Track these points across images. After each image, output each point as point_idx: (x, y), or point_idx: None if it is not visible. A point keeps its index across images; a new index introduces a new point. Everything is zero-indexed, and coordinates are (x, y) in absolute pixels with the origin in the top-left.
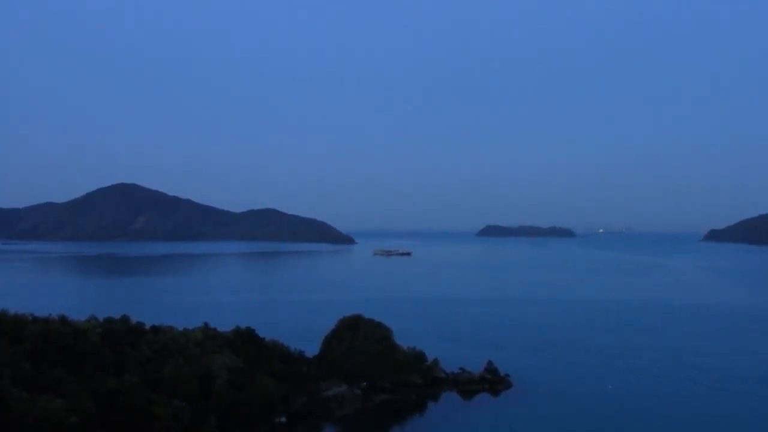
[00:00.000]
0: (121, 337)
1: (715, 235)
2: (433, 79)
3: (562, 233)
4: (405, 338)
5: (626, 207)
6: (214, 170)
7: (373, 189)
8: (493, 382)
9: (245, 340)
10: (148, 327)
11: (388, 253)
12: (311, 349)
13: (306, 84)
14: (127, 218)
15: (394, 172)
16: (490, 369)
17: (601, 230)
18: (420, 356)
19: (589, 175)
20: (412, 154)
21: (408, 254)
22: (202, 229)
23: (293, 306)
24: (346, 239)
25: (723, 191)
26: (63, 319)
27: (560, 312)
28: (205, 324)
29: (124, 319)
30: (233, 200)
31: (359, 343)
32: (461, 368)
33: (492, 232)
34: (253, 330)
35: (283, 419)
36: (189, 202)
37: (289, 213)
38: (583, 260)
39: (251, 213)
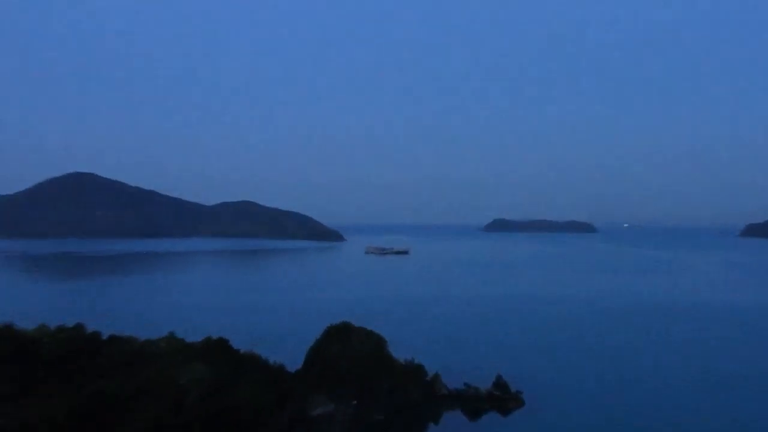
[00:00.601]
0: (75, 348)
1: (753, 230)
2: (435, 60)
3: (582, 228)
4: (402, 349)
5: (654, 199)
6: (180, 158)
7: (365, 178)
8: (502, 399)
9: (218, 351)
10: (105, 337)
11: (383, 252)
12: (294, 361)
13: (279, 61)
14: (83, 212)
15: (389, 160)
16: (500, 384)
17: (626, 225)
18: (419, 370)
19: (613, 165)
20: (410, 140)
21: (405, 252)
22: (169, 224)
23: (273, 313)
24: (333, 235)
25: (761, 185)
26: (9, 328)
27: (580, 318)
28: (171, 333)
29: (79, 328)
30: (204, 192)
31: (349, 355)
32: (466, 384)
33: (500, 226)
34: (227, 341)
35: None
36: (153, 194)
37: (269, 206)
38: (605, 258)
39: (225, 206)
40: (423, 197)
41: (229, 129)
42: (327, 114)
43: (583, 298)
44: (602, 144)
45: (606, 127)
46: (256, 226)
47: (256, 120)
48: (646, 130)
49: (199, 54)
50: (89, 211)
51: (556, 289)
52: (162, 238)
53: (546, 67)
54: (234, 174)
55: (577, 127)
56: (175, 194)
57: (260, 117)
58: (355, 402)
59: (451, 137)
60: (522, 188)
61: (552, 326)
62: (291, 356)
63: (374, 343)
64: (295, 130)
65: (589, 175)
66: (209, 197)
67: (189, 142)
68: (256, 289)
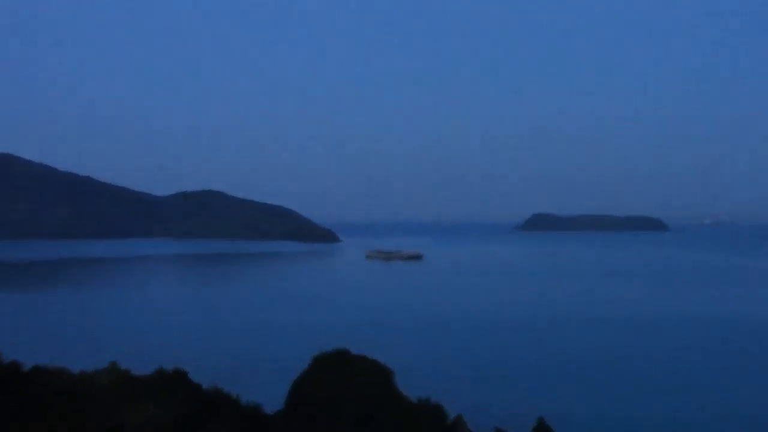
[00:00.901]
0: None
1: None
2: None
3: (649, 225)
4: (414, 384)
5: (745, 190)
6: (125, 137)
7: (366, 164)
8: None
9: (174, 387)
10: (28, 368)
11: (389, 256)
12: (273, 400)
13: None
14: (0, 205)
15: (397, 140)
16: (542, 428)
17: (707, 221)
18: (436, 410)
19: (690, 145)
20: (423, 117)
21: (418, 258)
22: (110, 220)
23: (246, 337)
24: (325, 235)
25: None
26: None
27: (646, 345)
28: (114, 364)
29: None
30: (155, 178)
31: (345, 391)
32: (498, 428)
33: (543, 224)
34: (186, 373)
35: None
36: (90, 182)
37: (241, 197)
38: (676, 266)
39: (183, 197)
40: (440, 188)
41: (187, 100)
42: (316, 82)
43: (646, 319)
44: (675, 121)
45: (679, 102)
46: (225, 222)
47: (220, 89)
48: (731, 107)
49: (154, 13)
50: (7, 204)
51: (612, 308)
52: (101, 239)
53: (606, 35)
54: (194, 156)
55: (644, 102)
56: (118, 182)
57: (226, 86)
58: None
59: (477, 112)
60: (572, 175)
61: (608, 355)
62: (269, 393)
63: (378, 375)
64: (273, 103)
65: (659, 159)
66: (163, 186)
67: (136, 116)
68: (223, 305)
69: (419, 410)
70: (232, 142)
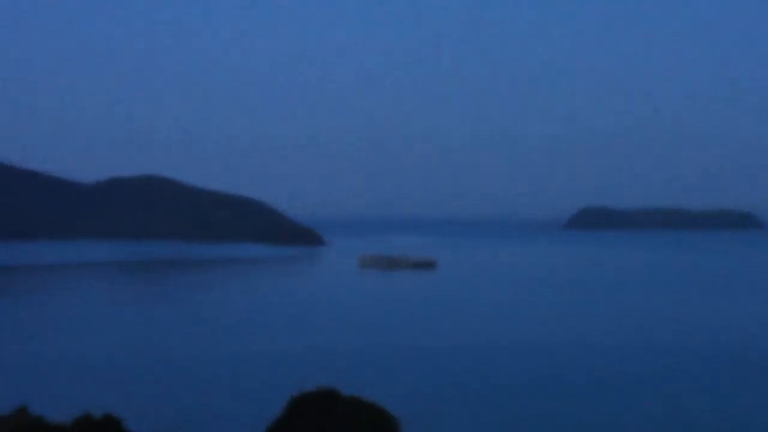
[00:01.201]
0: None
1: None
2: None
3: (737, 221)
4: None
5: None
6: (40, 108)
7: (359, 145)
8: None
9: None
10: None
11: (391, 264)
12: None
13: None
14: None
15: (395, 121)
16: None
17: None
18: None
19: None
20: (437, 87)
21: (429, 265)
22: (21, 215)
23: (202, 371)
24: (307, 236)
25: None
26: None
27: (712, 372)
28: (23, 408)
29: None
30: (80, 161)
31: None
32: None
33: (594, 220)
34: (120, 420)
35: None
36: None
37: (194, 185)
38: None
39: (117, 184)
40: (458, 176)
41: (121, 60)
42: (298, 58)
43: (713, 345)
44: None
45: None
46: (172, 219)
47: (168, 51)
48: None
49: None
50: None
51: (665, 327)
52: (10, 241)
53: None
54: (131, 132)
55: (732, 59)
56: (28, 164)
57: (176, 48)
58: None
59: (507, 77)
60: (633, 158)
61: (665, 384)
62: None
63: (376, 423)
64: (239, 75)
65: (750, 139)
66: (90, 170)
67: (54, 83)
68: (171, 329)
69: None
70: (183, 115)
